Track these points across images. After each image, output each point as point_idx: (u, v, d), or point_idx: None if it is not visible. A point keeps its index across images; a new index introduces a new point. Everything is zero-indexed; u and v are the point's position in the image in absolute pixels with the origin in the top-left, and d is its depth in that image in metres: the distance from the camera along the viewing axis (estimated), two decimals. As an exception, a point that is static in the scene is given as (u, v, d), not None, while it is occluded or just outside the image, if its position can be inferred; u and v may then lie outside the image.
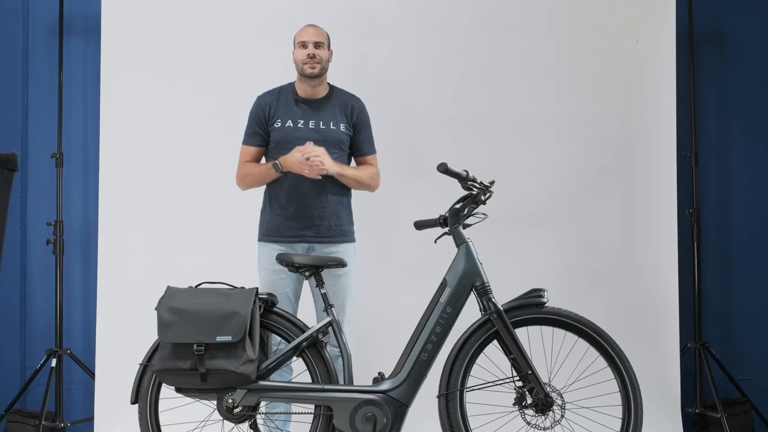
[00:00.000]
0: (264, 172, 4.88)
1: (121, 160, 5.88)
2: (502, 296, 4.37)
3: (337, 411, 4.28)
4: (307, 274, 4.50)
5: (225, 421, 4.32)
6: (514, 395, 4.32)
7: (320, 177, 4.75)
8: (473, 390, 4.33)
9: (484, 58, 5.98)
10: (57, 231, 5.90)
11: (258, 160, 5.00)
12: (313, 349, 4.38)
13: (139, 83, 5.91)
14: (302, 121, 4.90)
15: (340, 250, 4.87)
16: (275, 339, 4.49)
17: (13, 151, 3.79)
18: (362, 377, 4.53)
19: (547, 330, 4.42)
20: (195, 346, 4.14)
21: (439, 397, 4.33)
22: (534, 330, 4.43)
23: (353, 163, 5.07)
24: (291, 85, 5.03)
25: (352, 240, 4.98)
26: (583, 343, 4.37)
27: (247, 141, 4.99)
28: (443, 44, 5.99)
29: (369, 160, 5.03)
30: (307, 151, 4.71)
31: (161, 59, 5.93)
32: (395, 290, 5.83)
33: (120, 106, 5.90)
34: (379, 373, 4.38)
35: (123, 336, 5.74)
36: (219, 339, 4.14)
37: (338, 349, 4.45)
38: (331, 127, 4.89)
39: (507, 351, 4.31)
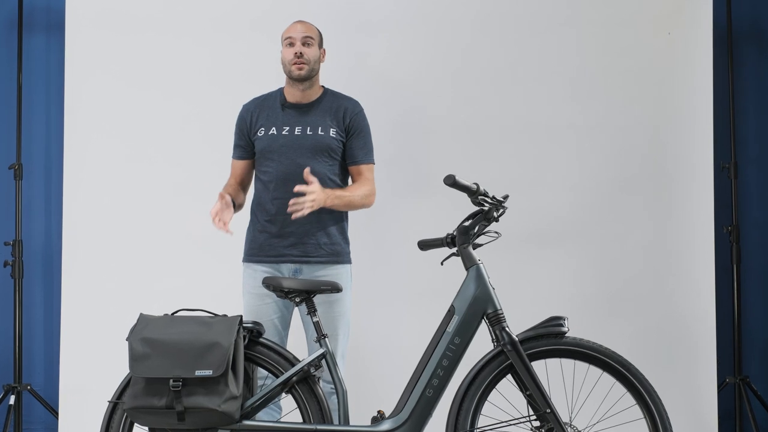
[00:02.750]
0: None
1: (89, 172, 5.90)
2: (516, 325, 4.36)
3: (331, 454, 4.29)
4: (297, 299, 4.47)
5: (205, 465, 4.31)
6: (531, 437, 4.32)
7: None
8: (485, 431, 4.32)
9: (495, 56, 6.01)
10: (16, 252, 5.91)
11: (243, 173, 5.04)
12: (304, 384, 4.36)
13: (108, 85, 5.93)
14: (287, 128, 4.90)
15: (331, 273, 4.86)
16: (262, 373, 4.49)
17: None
18: (359, 416, 4.53)
19: (568, 363, 4.42)
20: (171, 381, 4.13)
21: (446, 438, 4.33)
22: (553, 363, 4.43)
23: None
24: (279, 90, 5.03)
25: (347, 261, 4.97)
26: (608, 378, 4.36)
27: (233, 154, 5.05)
28: (449, 41, 6.02)
29: (363, 169, 4.98)
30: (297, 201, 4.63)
31: (134, 58, 5.95)
32: (396, 318, 5.84)
33: (87, 110, 5.92)
34: (379, 412, 4.37)
35: (90, 370, 5.75)
36: (198, 373, 4.13)
37: (332, 385, 4.44)
38: (320, 132, 4.88)
39: (522, 387, 4.31)
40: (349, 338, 4.94)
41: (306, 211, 4.60)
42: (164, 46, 5.95)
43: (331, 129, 4.90)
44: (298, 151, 4.85)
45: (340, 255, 4.92)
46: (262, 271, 4.84)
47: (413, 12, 6.02)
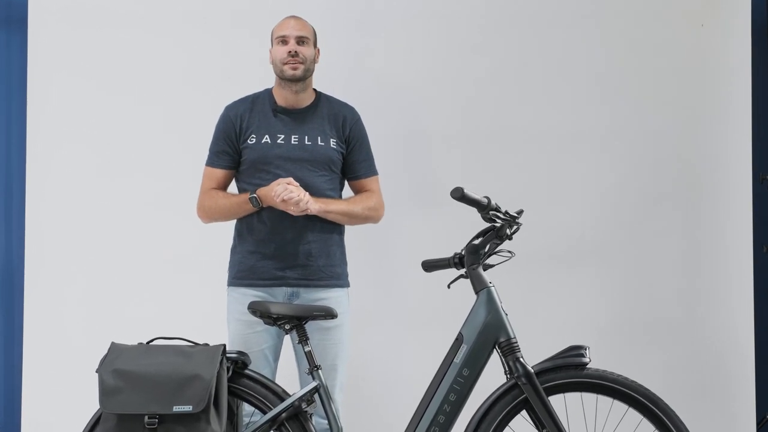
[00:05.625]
0: (236, 206, 4.87)
1: (54, 184, 5.92)
2: (532, 355, 4.38)
3: (325, 499, 4.31)
4: (287, 327, 4.48)
5: None
6: (548, 480, 4.33)
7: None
8: (497, 473, 4.34)
9: (509, 56, 6.03)
10: (-28, 273, 5.93)
11: (226, 186, 5.00)
12: (294, 421, 4.36)
13: (76, 86, 5.95)
14: (282, 136, 4.90)
15: (330, 297, 4.86)
16: (247, 409, 4.51)
17: None
18: (357, 457, 4.56)
19: (590, 397, 4.42)
20: (146, 418, 4.15)
21: (453, 482, 4.34)
22: (573, 398, 4.44)
23: (346, 187, 5.10)
24: (268, 92, 5.03)
25: (346, 284, 4.99)
26: (634, 414, 4.36)
27: (212, 162, 4.98)
28: (458, 39, 6.04)
29: (367, 184, 5.03)
30: (284, 191, 4.69)
31: (104, 56, 5.97)
32: (398, 347, 5.86)
33: (52, 115, 5.94)
34: (379, 452, 4.40)
35: (55, 405, 5.76)
36: (176, 409, 4.15)
37: (326, 421, 4.46)
38: (319, 143, 4.90)
39: (539, 424, 4.31)
40: (347, 369, 4.96)
41: (304, 201, 4.67)
42: (138, 43, 5.96)
43: (331, 139, 4.93)
44: (296, 164, 4.85)
45: (339, 278, 4.94)
46: (252, 295, 4.81)
47: (418, 7, 6.03)
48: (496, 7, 6.04)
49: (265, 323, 4.58)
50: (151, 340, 4.44)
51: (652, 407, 4.29)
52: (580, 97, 6.01)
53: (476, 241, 4.44)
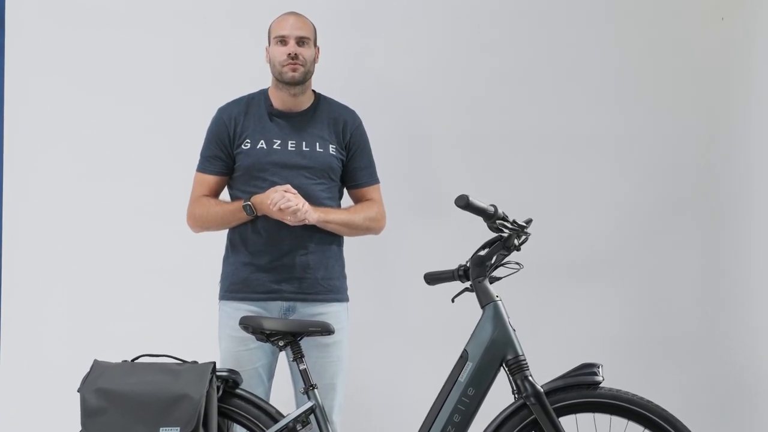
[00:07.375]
0: (229, 214, 4.84)
1: (32, 192, 5.92)
2: (541, 373, 4.37)
3: None
4: (281, 343, 4.47)
5: None
6: (559, 506, 4.32)
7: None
8: (504, 499, 4.34)
9: (518, 55, 6.04)
10: (-54, 284, 5.93)
11: (218, 193, 4.99)
12: (289, 443, 4.39)
13: (56, 88, 5.95)
14: (279, 141, 4.88)
15: (329, 311, 4.85)
16: (239, 431, 4.50)
17: None
18: (355, 482, 4.56)
19: (603, 419, 4.42)
20: (131, 440, 4.16)
21: None
22: (585, 418, 4.43)
23: (345, 195, 5.09)
24: (263, 94, 5.01)
25: (345, 299, 4.97)
26: (650, 437, 4.39)
27: (203, 167, 4.97)
28: (461, 39, 6.05)
29: (369, 192, 5.02)
30: (282, 199, 4.66)
31: (87, 56, 5.97)
32: (399, 365, 5.86)
33: (30, 118, 5.94)
34: (378, 477, 4.40)
35: (34, 427, 5.76)
36: (163, 431, 4.16)
37: (323, 444, 4.46)
38: (318, 149, 4.89)
39: (549, 447, 4.33)
40: (346, 388, 4.95)
41: (302, 210, 4.64)
42: (123, 42, 5.96)
43: (330, 145, 4.91)
44: (293, 171, 4.84)
45: (338, 291, 4.93)
46: (246, 310, 4.80)
47: (419, 6, 6.05)
48: (501, 5, 6.05)
49: (257, 339, 4.56)
50: (137, 358, 4.43)
51: (670, 429, 4.27)
52: (593, 98, 6.02)
53: (482, 252, 4.41)
